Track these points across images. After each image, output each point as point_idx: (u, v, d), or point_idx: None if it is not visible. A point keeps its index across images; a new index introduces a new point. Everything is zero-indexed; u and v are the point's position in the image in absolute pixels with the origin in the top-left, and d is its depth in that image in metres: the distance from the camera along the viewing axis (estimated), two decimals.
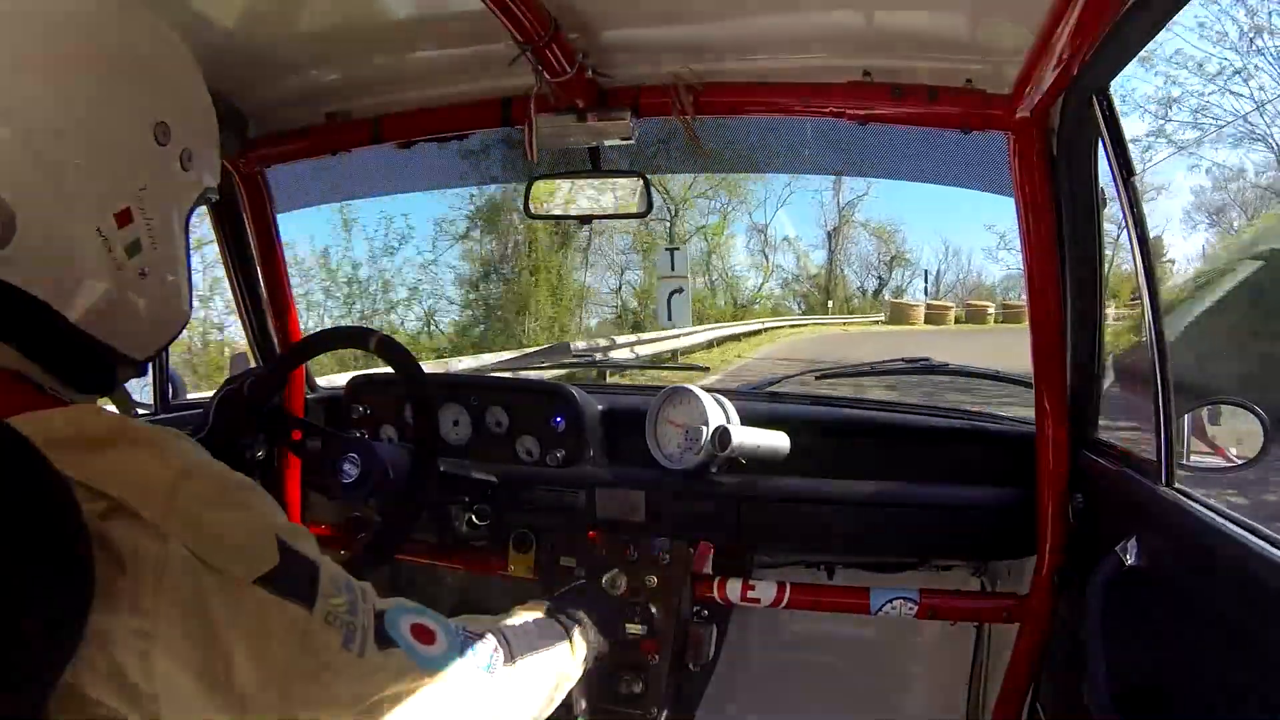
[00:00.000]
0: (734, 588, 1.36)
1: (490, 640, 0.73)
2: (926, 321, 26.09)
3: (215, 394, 1.15)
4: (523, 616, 0.90)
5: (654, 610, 1.37)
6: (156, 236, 0.62)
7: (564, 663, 0.87)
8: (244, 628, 0.52)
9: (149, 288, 0.63)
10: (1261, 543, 0.75)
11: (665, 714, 1.36)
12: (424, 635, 0.63)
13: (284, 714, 0.54)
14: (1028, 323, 1.19)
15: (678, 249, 11.01)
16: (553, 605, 0.98)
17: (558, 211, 1.39)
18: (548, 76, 1.09)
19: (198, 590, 0.50)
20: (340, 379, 1.75)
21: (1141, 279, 1.00)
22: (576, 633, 0.94)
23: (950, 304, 28.81)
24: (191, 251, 0.69)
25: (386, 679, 0.59)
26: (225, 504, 0.54)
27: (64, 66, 0.57)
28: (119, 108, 0.60)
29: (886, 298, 30.02)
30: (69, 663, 0.47)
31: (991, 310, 27.53)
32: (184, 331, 0.71)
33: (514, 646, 0.76)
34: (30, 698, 0.46)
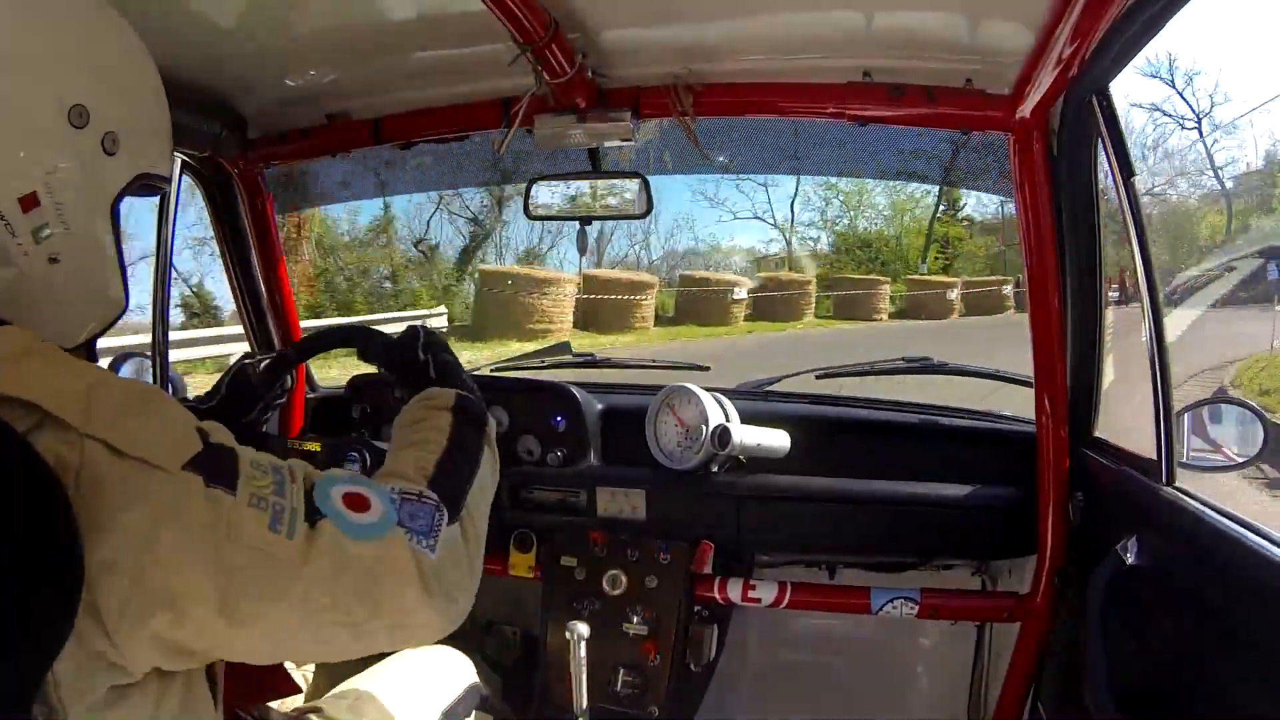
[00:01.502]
0: (735, 587, 1.36)
1: (431, 500, 0.64)
2: (584, 324, 12.14)
3: (231, 367, 1.17)
4: (435, 428, 0.73)
5: (654, 610, 1.37)
6: (70, 222, 0.60)
7: (492, 477, 0.75)
8: (172, 516, 0.51)
9: (63, 274, 0.61)
10: (1261, 541, 0.75)
11: (665, 714, 1.36)
12: (357, 503, 0.59)
13: (221, 604, 0.53)
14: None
15: None
16: (459, 397, 0.78)
17: (557, 212, 1.39)
18: (547, 77, 1.09)
19: (122, 484, 0.50)
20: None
21: (1142, 279, 1.00)
22: (491, 426, 0.79)
23: (649, 277, 13.58)
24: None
25: (317, 555, 0.56)
26: (140, 407, 0.54)
27: None
28: (23, 87, 0.58)
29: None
30: (69, 635, 0.48)
31: (740, 295, 13.42)
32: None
33: (451, 493, 0.66)
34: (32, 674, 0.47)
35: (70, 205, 0.60)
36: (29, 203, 0.58)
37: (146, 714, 0.56)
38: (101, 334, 0.69)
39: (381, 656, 1.14)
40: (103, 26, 0.64)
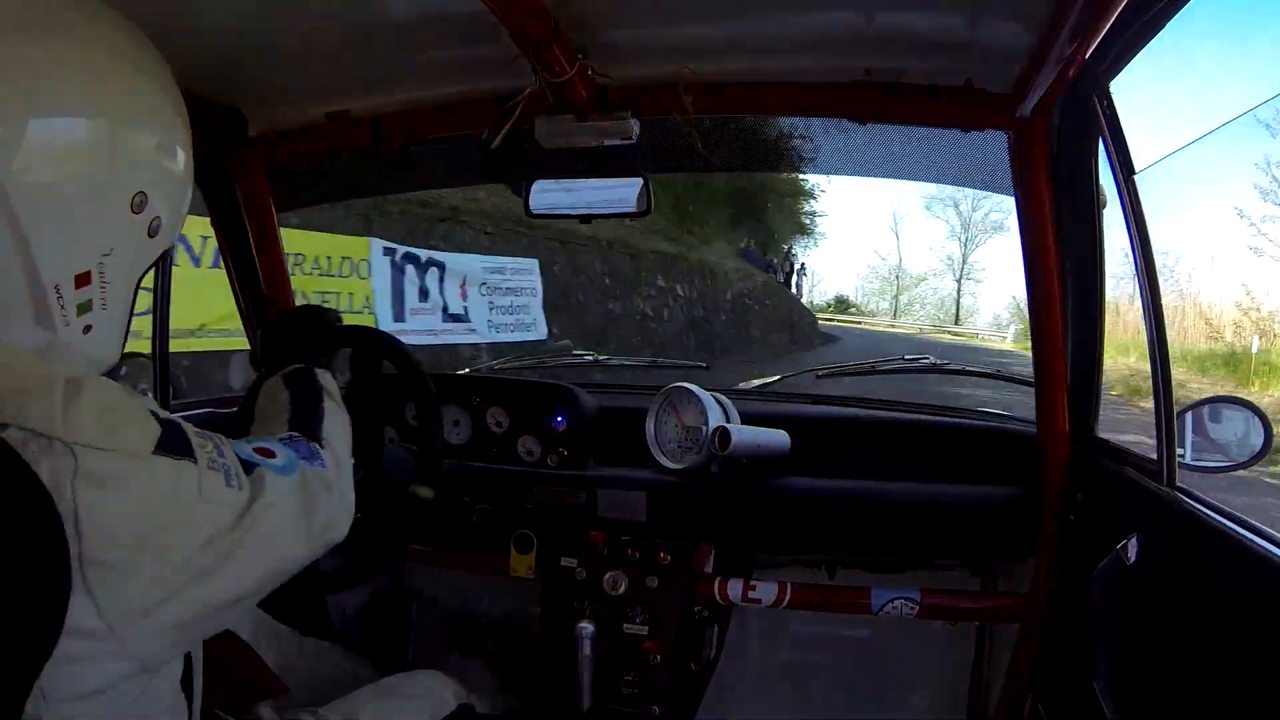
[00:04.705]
0: (735, 588, 1.36)
1: (299, 437, 0.78)
2: None
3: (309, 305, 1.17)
4: (277, 401, 0.88)
5: (655, 610, 1.37)
6: (108, 298, 0.63)
7: (340, 414, 0.88)
8: (159, 494, 0.55)
9: (88, 342, 0.63)
10: (1262, 541, 0.75)
11: (666, 713, 1.36)
12: (267, 453, 0.69)
13: (218, 558, 0.59)
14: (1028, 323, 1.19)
15: None
16: (286, 374, 0.93)
17: (558, 211, 1.39)
18: (548, 77, 1.09)
19: (112, 476, 0.53)
20: None
21: (1142, 279, 1.00)
22: (322, 378, 0.92)
23: None
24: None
25: (265, 495, 0.64)
26: (110, 405, 0.56)
27: (64, 129, 0.57)
28: (108, 177, 0.60)
29: None
30: (56, 643, 0.49)
31: None
32: None
33: (311, 429, 0.81)
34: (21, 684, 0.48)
35: (114, 284, 0.63)
36: (82, 280, 0.60)
37: None
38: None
39: (371, 678, 1.16)
40: (175, 107, 0.66)
